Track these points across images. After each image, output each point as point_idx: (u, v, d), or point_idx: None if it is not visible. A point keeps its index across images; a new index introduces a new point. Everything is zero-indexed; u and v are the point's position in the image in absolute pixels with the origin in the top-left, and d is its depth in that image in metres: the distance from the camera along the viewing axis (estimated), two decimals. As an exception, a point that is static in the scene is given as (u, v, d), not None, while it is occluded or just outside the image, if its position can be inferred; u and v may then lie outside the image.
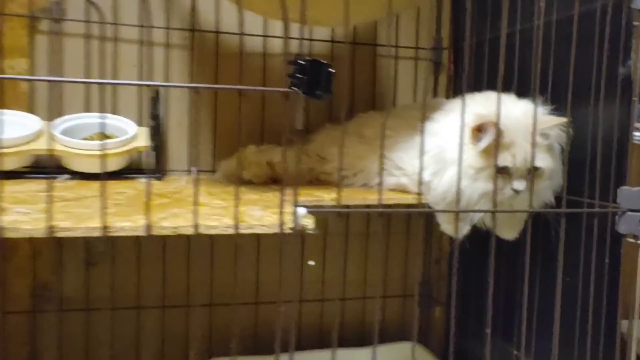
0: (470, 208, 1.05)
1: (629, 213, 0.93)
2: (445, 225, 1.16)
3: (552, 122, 1.05)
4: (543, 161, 1.05)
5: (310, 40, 1.54)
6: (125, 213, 0.85)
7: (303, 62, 0.78)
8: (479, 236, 1.13)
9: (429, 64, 1.65)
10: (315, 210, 0.84)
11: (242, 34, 1.48)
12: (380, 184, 1.27)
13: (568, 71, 1.08)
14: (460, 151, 0.88)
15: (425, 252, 1.69)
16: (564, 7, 1.12)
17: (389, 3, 0.93)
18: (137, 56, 1.45)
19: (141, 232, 0.75)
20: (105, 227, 0.74)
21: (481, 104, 1.11)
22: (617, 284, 0.98)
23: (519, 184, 1.03)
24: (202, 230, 0.78)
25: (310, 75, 0.78)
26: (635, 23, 1.01)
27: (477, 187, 1.04)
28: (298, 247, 1.54)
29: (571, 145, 1.08)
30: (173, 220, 0.79)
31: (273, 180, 1.35)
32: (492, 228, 0.94)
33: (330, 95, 0.79)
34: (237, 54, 1.48)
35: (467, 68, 1.28)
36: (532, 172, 1.04)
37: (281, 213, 0.79)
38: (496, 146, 0.95)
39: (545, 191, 1.09)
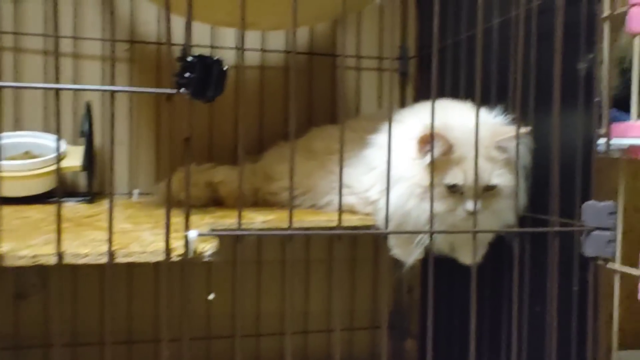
0: (418, 230, 0.92)
1: (596, 232, 0.79)
2: (396, 249, 1.02)
3: (510, 133, 0.92)
4: (500, 178, 0.92)
5: (263, 50, 1.43)
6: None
7: (191, 59, 0.66)
8: (450, 263, 1.00)
9: (395, 74, 1.53)
10: (213, 234, 0.71)
11: (187, 45, 1.37)
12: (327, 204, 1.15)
13: (529, 74, 0.96)
14: (388, 165, 0.75)
15: (396, 279, 1.55)
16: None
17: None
18: (71, 70, 1.34)
19: (-11, 263, 0.63)
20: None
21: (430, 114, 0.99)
22: (585, 314, 0.83)
23: (472, 205, 0.89)
24: (69, 260, 0.65)
25: (200, 73, 0.66)
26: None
27: (425, 208, 0.91)
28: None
29: (533, 157, 0.95)
30: (37, 248, 0.67)
31: (215, 202, 1.22)
32: (431, 248, 0.81)
33: (220, 94, 0.67)
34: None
35: (415, 75, 1.16)
36: (488, 191, 0.91)
37: (167, 237, 0.66)
38: (436, 161, 0.82)
39: (506, 212, 0.95)
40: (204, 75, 0.67)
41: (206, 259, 0.70)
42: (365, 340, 1.53)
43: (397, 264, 1.53)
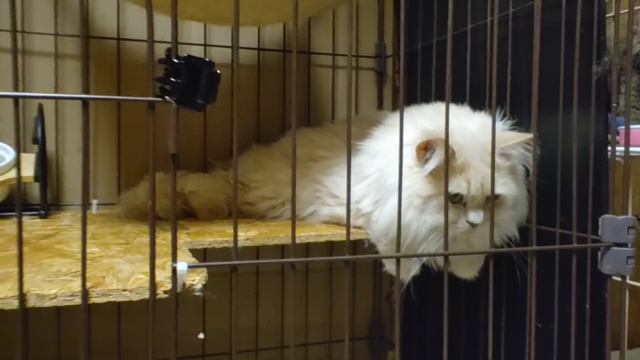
0: (417, 244, 0.84)
1: (615, 248, 0.74)
2: (390, 265, 0.95)
3: (515, 140, 0.85)
4: (504, 187, 0.85)
5: (234, 47, 1.32)
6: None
7: (177, 62, 0.56)
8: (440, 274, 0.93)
9: (372, 73, 1.45)
10: (203, 265, 0.62)
11: (153, 41, 1.25)
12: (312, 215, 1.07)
13: (529, 76, 0.90)
14: (400, 175, 0.67)
15: (375, 288, 1.48)
16: (521, -2, 0.93)
17: None
18: (20, 68, 1.20)
19: None
20: None
21: (430, 118, 0.91)
22: (603, 334, 0.78)
23: (476, 216, 0.83)
24: (33, 303, 0.54)
25: (187, 78, 0.56)
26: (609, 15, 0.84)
27: (425, 220, 0.83)
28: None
29: (539, 164, 0.89)
30: (-8, 288, 0.55)
31: (186, 214, 1.12)
32: (445, 270, 0.73)
33: (213, 102, 0.57)
34: (145, 64, 1.25)
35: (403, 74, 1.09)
36: (492, 201, 0.84)
37: (153, 272, 0.56)
38: (446, 169, 0.74)
39: (508, 223, 0.89)
40: (192, 80, 0.57)
41: (196, 293, 0.60)
42: (343, 352, 1.45)
43: (377, 273, 1.47)
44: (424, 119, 0.90)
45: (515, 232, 0.90)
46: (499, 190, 0.84)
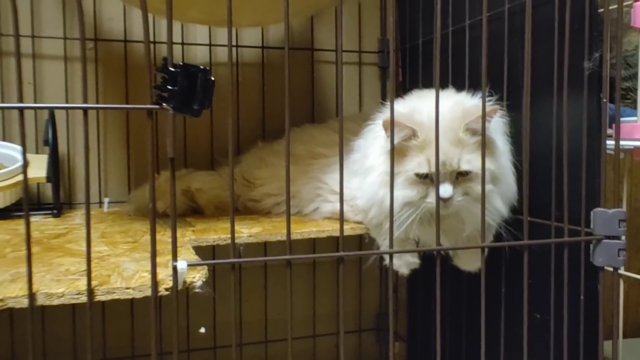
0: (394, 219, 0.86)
1: (606, 241, 0.76)
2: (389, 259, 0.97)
3: (477, 113, 0.83)
4: (469, 164, 0.85)
5: (237, 46, 1.35)
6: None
7: (173, 70, 0.59)
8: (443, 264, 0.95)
9: (376, 68, 1.47)
10: (204, 264, 0.65)
11: (154, 42, 1.29)
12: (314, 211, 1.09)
13: (523, 69, 0.91)
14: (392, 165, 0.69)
15: (382, 280, 1.50)
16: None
17: None
18: (31, 72, 1.24)
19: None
20: None
21: (408, 102, 0.94)
22: (597, 324, 0.80)
23: (443, 190, 0.83)
24: (42, 301, 0.58)
25: (183, 85, 0.59)
26: (600, 10, 0.85)
27: (396, 196, 0.84)
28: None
29: (532, 157, 0.91)
30: (3, 287, 0.59)
31: (193, 211, 1.15)
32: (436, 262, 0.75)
33: (209, 108, 0.60)
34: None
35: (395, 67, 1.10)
36: (463, 177, 0.86)
37: (154, 270, 0.59)
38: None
39: (491, 198, 0.88)
40: (188, 87, 0.59)
41: (196, 290, 0.63)
42: (350, 344, 1.48)
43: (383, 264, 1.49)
44: (407, 104, 0.93)
45: (501, 208, 0.89)
46: (464, 166, 0.85)
